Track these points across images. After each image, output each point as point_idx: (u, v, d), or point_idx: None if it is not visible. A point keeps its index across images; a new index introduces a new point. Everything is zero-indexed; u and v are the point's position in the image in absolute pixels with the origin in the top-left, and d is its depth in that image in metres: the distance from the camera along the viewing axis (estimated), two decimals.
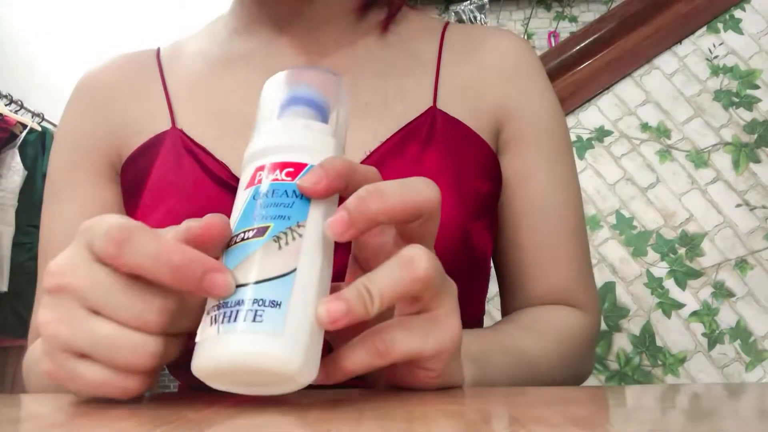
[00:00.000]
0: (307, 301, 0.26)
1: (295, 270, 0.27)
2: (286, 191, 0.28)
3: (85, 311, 0.26)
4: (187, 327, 0.28)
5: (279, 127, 0.31)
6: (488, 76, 0.54)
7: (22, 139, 2.35)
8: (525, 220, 0.53)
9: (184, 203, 0.47)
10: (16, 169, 2.29)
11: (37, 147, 2.41)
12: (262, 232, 0.27)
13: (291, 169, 0.29)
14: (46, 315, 0.26)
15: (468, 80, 0.53)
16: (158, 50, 0.58)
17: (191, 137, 0.49)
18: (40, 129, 2.46)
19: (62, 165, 0.54)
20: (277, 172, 0.29)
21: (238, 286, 0.26)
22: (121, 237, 0.25)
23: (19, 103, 2.49)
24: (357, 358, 0.28)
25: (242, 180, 0.30)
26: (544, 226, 0.53)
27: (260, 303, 0.25)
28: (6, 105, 2.42)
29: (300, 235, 0.28)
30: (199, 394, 0.31)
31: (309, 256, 0.27)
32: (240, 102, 0.51)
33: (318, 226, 0.28)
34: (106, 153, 0.53)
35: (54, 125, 2.60)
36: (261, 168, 0.29)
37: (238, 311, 0.25)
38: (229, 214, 0.29)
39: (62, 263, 0.27)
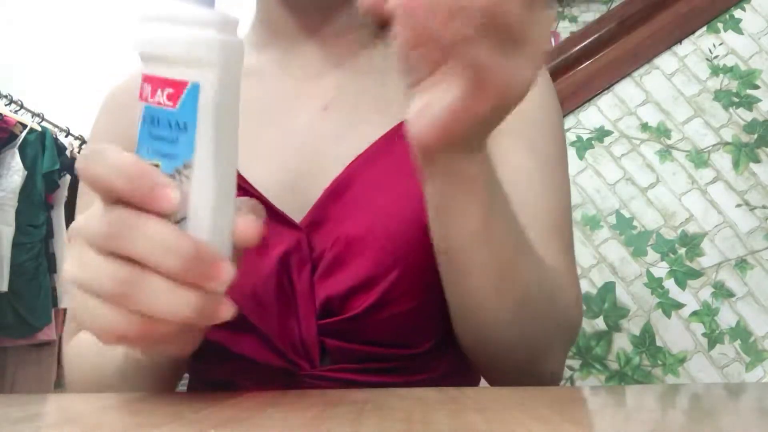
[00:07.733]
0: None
1: (185, 219, 0.27)
2: (169, 122, 0.27)
3: (97, 254, 0.28)
4: None
5: (163, 22, 0.28)
6: None
7: (22, 139, 2.35)
8: None
9: None
10: (16, 169, 2.29)
11: (37, 147, 2.40)
12: None
13: (171, 90, 0.27)
14: (67, 263, 0.29)
15: None
16: None
17: None
18: (40, 129, 2.46)
19: None
20: (159, 93, 0.27)
21: None
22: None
23: (19, 103, 2.49)
24: None
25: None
26: (517, 209, 0.51)
27: None
28: (6, 105, 2.42)
29: (187, 178, 0.27)
30: (199, 394, 0.31)
31: (199, 200, 0.27)
32: (252, 116, 0.52)
33: (206, 165, 0.27)
34: None
35: (54, 125, 2.60)
36: (147, 79, 0.28)
37: None
38: None
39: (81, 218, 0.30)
